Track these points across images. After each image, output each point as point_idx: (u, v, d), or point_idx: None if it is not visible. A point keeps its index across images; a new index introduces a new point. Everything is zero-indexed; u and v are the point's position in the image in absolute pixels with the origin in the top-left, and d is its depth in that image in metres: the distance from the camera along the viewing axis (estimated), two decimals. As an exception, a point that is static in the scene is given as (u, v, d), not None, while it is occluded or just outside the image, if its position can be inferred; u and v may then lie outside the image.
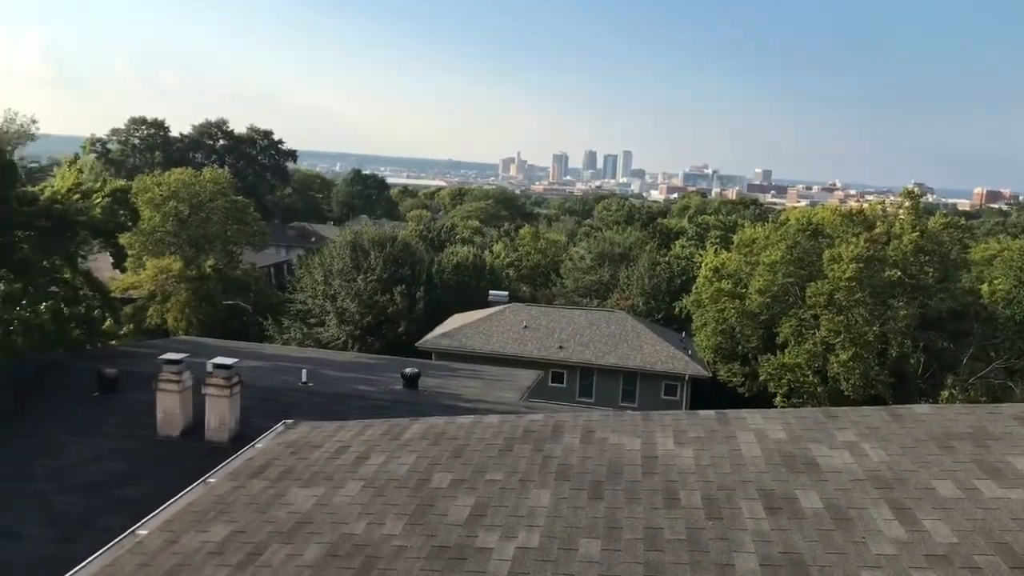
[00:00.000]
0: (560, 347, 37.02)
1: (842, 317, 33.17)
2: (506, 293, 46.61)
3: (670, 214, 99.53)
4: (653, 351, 36.87)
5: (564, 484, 6.76)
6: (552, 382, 35.90)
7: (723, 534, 5.64)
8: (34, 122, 59.96)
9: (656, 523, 5.89)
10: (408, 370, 20.29)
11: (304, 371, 19.65)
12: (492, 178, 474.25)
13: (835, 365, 33.10)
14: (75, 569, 6.40)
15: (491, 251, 62.38)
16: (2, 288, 24.57)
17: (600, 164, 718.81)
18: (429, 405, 17.63)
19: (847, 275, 32.46)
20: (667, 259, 53.33)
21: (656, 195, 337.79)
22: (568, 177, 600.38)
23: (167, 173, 49.58)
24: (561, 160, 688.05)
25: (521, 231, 75.05)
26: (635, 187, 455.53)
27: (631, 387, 36.59)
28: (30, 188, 25.66)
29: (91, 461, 15.16)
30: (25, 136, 59.86)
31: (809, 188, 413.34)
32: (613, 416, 8.76)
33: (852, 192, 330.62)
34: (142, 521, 7.18)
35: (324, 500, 7.03)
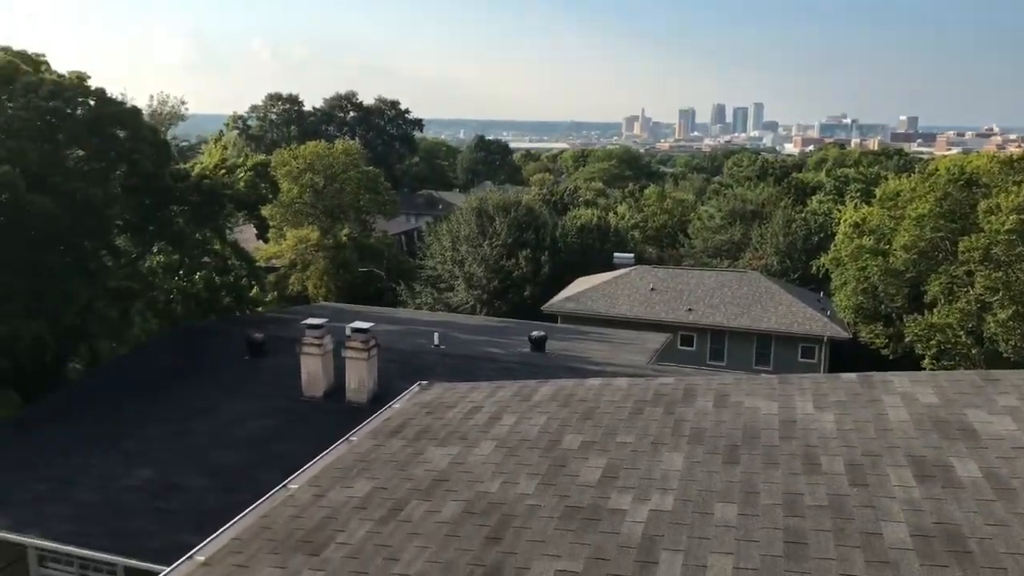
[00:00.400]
0: (689, 309, 36.27)
1: (1000, 273, 30.60)
2: (632, 255, 46.01)
3: (805, 168, 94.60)
4: (789, 312, 35.46)
5: (697, 448, 6.65)
6: (681, 345, 35.29)
7: (869, 502, 5.38)
8: (183, 103, 64.38)
9: (796, 489, 5.70)
10: (535, 333, 20.50)
11: (436, 334, 20.25)
12: (615, 137, 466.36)
13: (992, 325, 30.68)
14: (235, 519, 6.91)
15: (615, 213, 61.61)
16: (162, 259, 26.67)
17: (729, 118, 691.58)
18: (556, 367, 17.77)
19: (1007, 227, 29.83)
20: (803, 215, 50.87)
21: (790, 148, 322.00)
22: (695, 133, 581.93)
23: (302, 146, 51.80)
24: (687, 115, 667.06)
25: (646, 191, 73.62)
26: (767, 140, 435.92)
27: (765, 350, 35.43)
28: (182, 165, 27.59)
29: (246, 419, 16.32)
30: (176, 117, 64.38)
31: (961, 135, 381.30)
32: (747, 379, 8.50)
33: (1012, 137, 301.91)
34: (292, 476, 7.64)
35: (459, 459, 7.23)
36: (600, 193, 79.41)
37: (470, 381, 10.45)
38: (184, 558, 6.34)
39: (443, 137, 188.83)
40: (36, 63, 22.71)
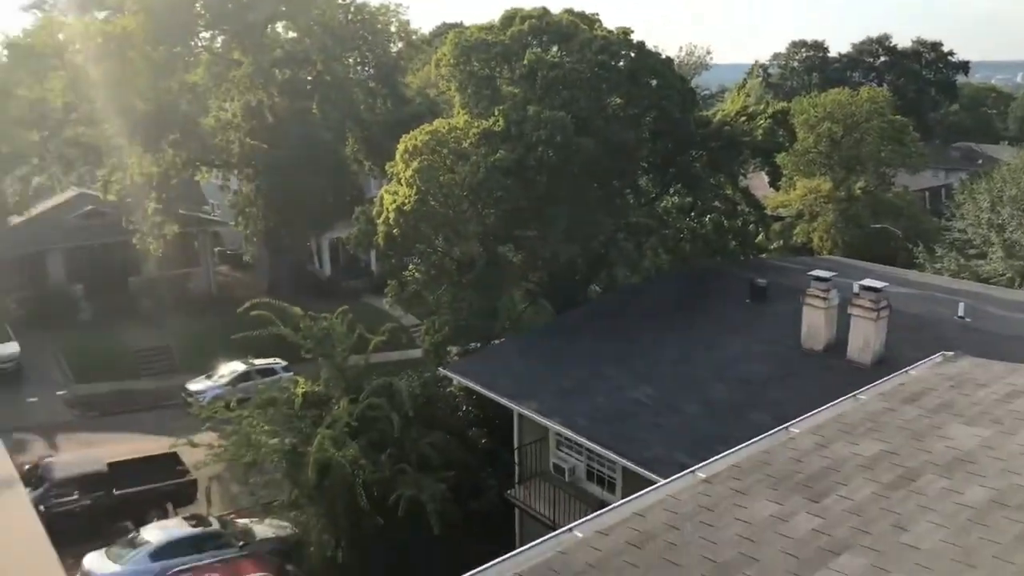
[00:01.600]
0: None
1: None
2: None
3: None
4: None
5: None
6: None
7: None
8: (708, 53, 66.70)
9: None
10: (1102, 320, 16.64)
11: (960, 305, 17.88)
12: None
13: None
14: (734, 448, 7.19)
15: None
16: (676, 201, 28.38)
17: None
18: None
19: None
20: None
21: None
22: None
23: (823, 94, 49.48)
24: None
25: None
26: None
27: None
28: (704, 113, 28.67)
29: (742, 360, 16.73)
30: (701, 66, 67.08)
31: None
32: None
33: None
34: (793, 421, 7.62)
35: (990, 443, 6.38)
36: None
37: (1005, 361, 9.04)
38: (687, 471, 6.84)
39: (993, 82, 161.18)
40: (591, 21, 25.64)
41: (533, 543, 5.64)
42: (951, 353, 9.04)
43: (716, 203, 27.60)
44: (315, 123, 37.37)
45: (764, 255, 30.16)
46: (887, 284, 16.34)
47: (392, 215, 22.32)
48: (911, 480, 5.96)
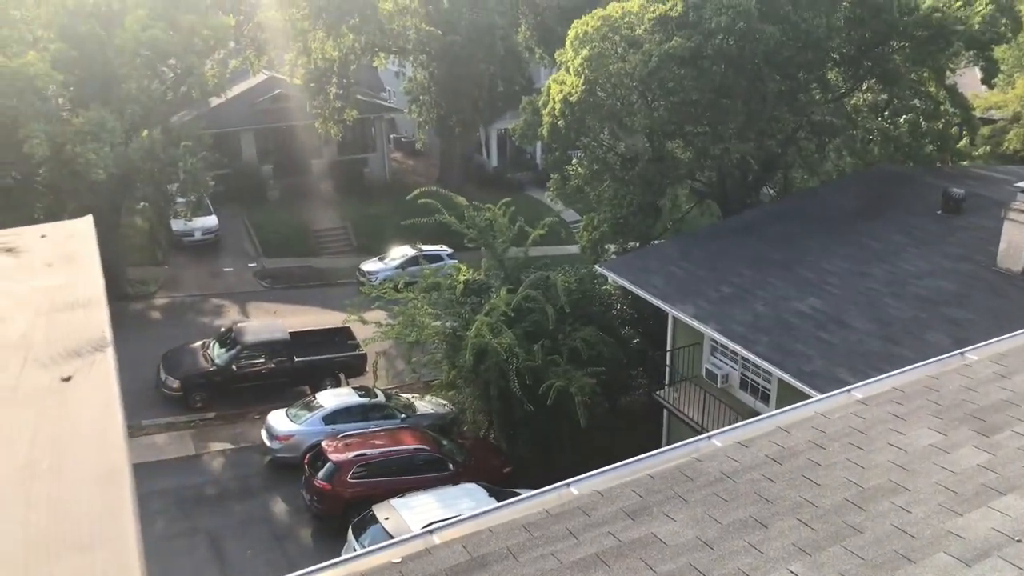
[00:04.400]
0: None
1: None
2: None
3: None
4: None
5: None
6: None
7: None
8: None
9: None
10: None
11: None
12: None
13: None
14: (899, 370, 6.67)
15: None
16: (868, 98, 25.83)
17: None
18: None
19: None
20: None
21: None
22: None
23: (1066, -26, 42.42)
24: None
25: None
26: None
27: None
28: (913, -2, 25.47)
29: (925, 275, 15.41)
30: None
31: None
32: None
33: None
34: (972, 347, 6.94)
35: None
36: None
37: None
38: (842, 390, 6.44)
39: None
40: None
41: (668, 447, 5.59)
42: None
43: (915, 101, 24.89)
44: (489, 8, 36.99)
45: (966, 162, 27.11)
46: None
47: (558, 106, 21.95)
48: (1107, 423, 5.29)
